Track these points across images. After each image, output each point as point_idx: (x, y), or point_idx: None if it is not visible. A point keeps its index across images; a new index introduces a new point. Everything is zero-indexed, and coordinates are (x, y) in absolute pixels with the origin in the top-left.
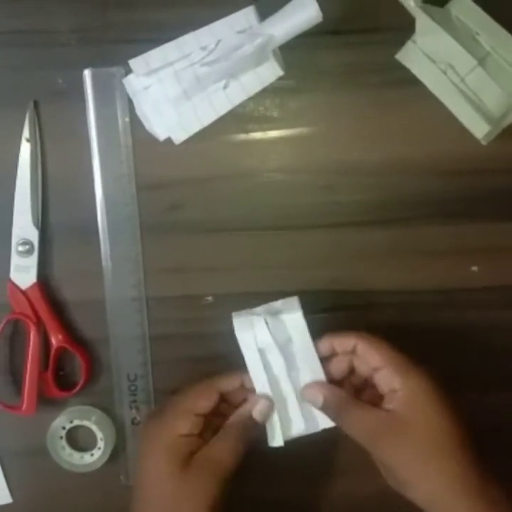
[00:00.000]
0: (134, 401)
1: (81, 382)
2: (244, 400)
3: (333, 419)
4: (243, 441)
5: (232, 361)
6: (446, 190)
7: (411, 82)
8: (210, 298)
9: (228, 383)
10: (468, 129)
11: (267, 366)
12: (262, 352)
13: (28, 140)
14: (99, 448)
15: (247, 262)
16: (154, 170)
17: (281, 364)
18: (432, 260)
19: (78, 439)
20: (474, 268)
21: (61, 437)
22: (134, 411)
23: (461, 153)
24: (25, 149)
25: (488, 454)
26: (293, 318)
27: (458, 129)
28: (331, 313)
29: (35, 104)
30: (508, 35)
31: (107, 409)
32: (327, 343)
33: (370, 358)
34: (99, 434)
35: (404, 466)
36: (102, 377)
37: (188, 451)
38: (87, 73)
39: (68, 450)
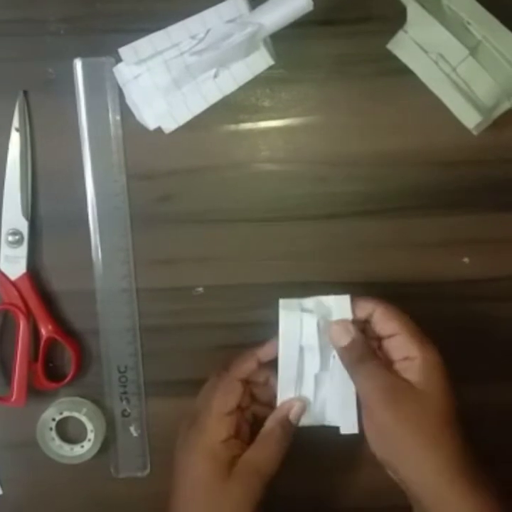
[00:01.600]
0: (125, 392)
1: (71, 373)
2: (267, 385)
3: (349, 367)
4: (283, 445)
5: (223, 352)
6: (437, 181)
7: (402, 72)
8: (200, 289)
9: (246, 368)
10: (459, 120)
11: (300, 364)
12: (301, 349)
13: (17, 130)
14: (89, 440)
15: (238, 253)
16: (145, 160)
17: (317, 366)
18: (423, 251)
19: (68, 431)
20: (466, 259)
21: (51, 429)
22: (124, 402)
23: (452, 144)
24: (14, 139)
25: (487, 444)
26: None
27: (449, 120)
28: None
29: (25, 93)
30: (500, 24)
31: (97, 400)
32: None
33: (387, 323)
34: (89, 426)
35: (409, 435)
36: (92, 369)
37: (230, 457)
38: (77, 63)
39: (58, 442)
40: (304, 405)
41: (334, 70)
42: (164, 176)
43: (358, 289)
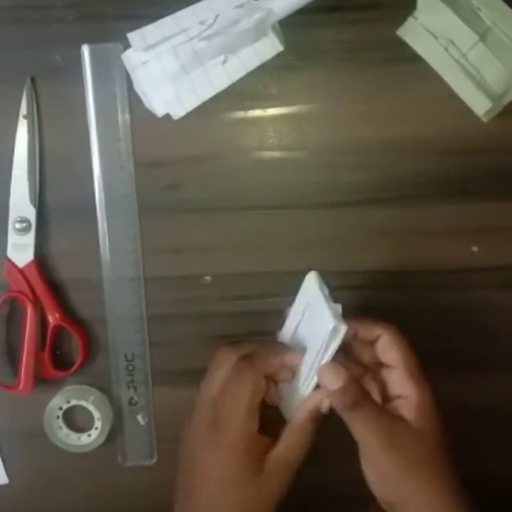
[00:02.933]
0: (132, 381)
1: (78, 361)
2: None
3: (342, 413)
4: (313, 439)
5: (231, 341)
6: (447, 169)
7: (412, 58)
8: (208, 278)
9: (272, 365)
10: (469, 107)
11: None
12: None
13: (25, 117)
14: (97, 428)
15: (246, 241)
16: (152, 148)
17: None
18: (432, 240)
19: (75, 419)
20: (474, 248)
21: (58, 417)
22: (131, 391)
23: (462, 132)
24: (22, 126)
25: (487, 435)
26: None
27: (459, 107)
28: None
29: (33, 80)
30: (510, 9)
31: (104, 389)
32: (352, 327)
33: (389, 352)
34: (96, 414)
35: (413, 480)
36: (99, 357)
37: (260, 452)
38: (84, 49)
39: (65, 430)
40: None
41: (343, 57)
42: (172, 163)
43: (364, 277)
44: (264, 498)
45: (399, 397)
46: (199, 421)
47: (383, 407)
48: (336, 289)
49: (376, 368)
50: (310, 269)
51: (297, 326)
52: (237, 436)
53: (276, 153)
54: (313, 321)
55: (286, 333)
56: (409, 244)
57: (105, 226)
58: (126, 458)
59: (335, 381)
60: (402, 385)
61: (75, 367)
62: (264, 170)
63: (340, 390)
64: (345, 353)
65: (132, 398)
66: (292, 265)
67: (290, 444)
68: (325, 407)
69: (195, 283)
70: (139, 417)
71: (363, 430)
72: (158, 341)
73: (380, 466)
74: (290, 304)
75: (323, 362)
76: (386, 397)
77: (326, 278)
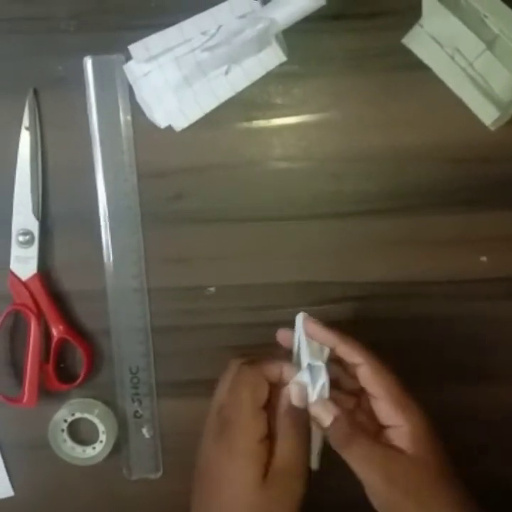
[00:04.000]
0: (136, 394)
1: (82, 374)
2: None
3: (337, 448)
4: (300, 435)
5: (236, 353)
6: (454, 178)
7: (418, 67)
8: (212, 289)
9: (270, 368)
10: (476, 115)
11: None
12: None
13: (27, 128)
14: (101, 441)
15: (251, 252)
16: (156, 159)
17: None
18: (439, 250)
19: (80, 432)
20: (483, 258)
21: (63, 430)
22: (136, 404)
23: (469, 140)
24: (24, 138)
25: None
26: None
27: (466, 115)
28: (336, 305)
29: (35, 91)
30: None
31: (109, 402)
32: (332, 342)
33: (370, 386)
34: (101, 427)
35: (415, 508)
36: (104, 370)
37: (267, 457)
38: (87, 60)
39: (70, 443)
40: (299, 385)
41: (348, 65)
42: (175, 174)
43: (370, 288)
44: (275, 506)
45: (390, 426)
46: (208, 427)
47: (376, 439)
48: (341, 300)
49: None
50: (316, 281)
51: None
52: (242, 440)
53: (281, 164)
54: (301, 356)
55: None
56: (416, 254)
57: (109, 237)
58: (131, 471)
59: (325, 417)
60: (389, 415)
61: (80, 380)
62: (269, 180)
63: (331, 427)
64: (337, 382)
65: (137, 411)
66: (298, 276)
67: (283, 448)
68: (294, 399)
69: (200, 294)
70: (144, 430)
71: (359, 466)
72: (162, 353)
73: (381, 496)
74: (294, 314)
75: (313, 399)
76: (380, 425)
77: (331, 289)
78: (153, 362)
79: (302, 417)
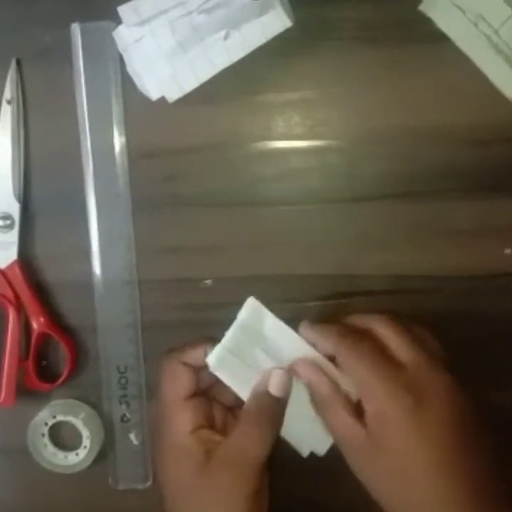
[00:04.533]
0: (124, 395)
1: (65, 373)
2: None
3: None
4: (268, 424)
5: None
6: (474, 161)
7: (436, 37)
8: (208, 281)
9: (193, 354)
10: (500, 91)
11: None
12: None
13: (9, 102)
14: (85, 447)
15: (251, 241)
16: (147, 137)
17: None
18: (459, 240)
19: (62, 437)
20: (507, 250)
21: (43, 434)
22: (123, 406)
23: (493, 120)
24: (5, 112)
25: None
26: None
27: (490, 92)
28: (345, 299)
29: (18, 62)
30: None
31: (94, 404)
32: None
33: (344, 367)
34: (85, 432)
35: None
36: (89, 369)
37: (204, 450)
38: (75, 28)
39: (51, 448)
40: (285, 374)
41: (357, 37)
42: (169, 154)
43: (387, 282)
44: (219, 500)
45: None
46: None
47: (351, 415)
48: (350, 294)
49: None
50: (323, 274)
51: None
52: (173, 435)
53: (285, 143)
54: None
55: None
56: (435, 245)
57: (96, 224)
58: (118, 480)
59: (311, 374)
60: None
61: (62, 378)
62: (272, 161)
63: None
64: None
65: (125, 415)
66: (303, 268)
67: (242, 434)
68: (273, 388)
69: (195, 287)
70: (132, 436)
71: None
72: (153, 351)
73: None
74: (300, 309)
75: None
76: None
77: (339, 282)
78: (143, 361)
79: (276, 411)
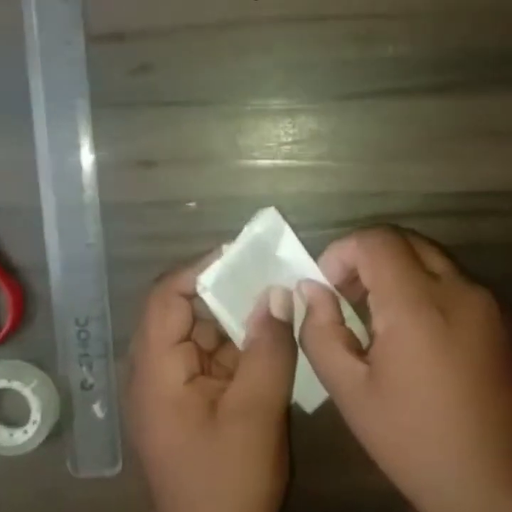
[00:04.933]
0: (85, 355)
1: (7, 325)
2: None
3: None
4: (280, 355)
5: None
6: None
7: None
8: (192, 203)
9: (186, 279)
10: None
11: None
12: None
13: None
14: (35, 422)
15: (243, 149)
16: (112, 14)
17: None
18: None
19: (5, 409)
20: None
21: None
22: (84, 369)
23: None
24: None
25: None
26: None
27: None
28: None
29: None
30: None
31: (46, 366)
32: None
33: (361, 273)
34: (34, 403)
35: (380, 446)
36: (39, 321)
37: (205, 401)
38: None
39: None
40: (286, 292)
41: None
42: (140, 38)
43: (414, 202)
44: (234, 462)
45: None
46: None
47: (351, 354)
48: (375, 216)
49: None
50: (328, 192)
51: None
52: (160, 389)
53: (281, 25)
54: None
55: None
56: (465, 150)
57: (45, 131)
58: (78, 466)
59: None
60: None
61: (3, 332)
62: (273, 45)
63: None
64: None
65: (86, 380)
66: (309, 186)
67: (250, 373)
68: (275, 309)
69: (175, 211)
70: (96, 407)
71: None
72: (123, 297)
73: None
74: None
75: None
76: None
77: (355, 202)
78: (109, 309)
79: (285, 331)
